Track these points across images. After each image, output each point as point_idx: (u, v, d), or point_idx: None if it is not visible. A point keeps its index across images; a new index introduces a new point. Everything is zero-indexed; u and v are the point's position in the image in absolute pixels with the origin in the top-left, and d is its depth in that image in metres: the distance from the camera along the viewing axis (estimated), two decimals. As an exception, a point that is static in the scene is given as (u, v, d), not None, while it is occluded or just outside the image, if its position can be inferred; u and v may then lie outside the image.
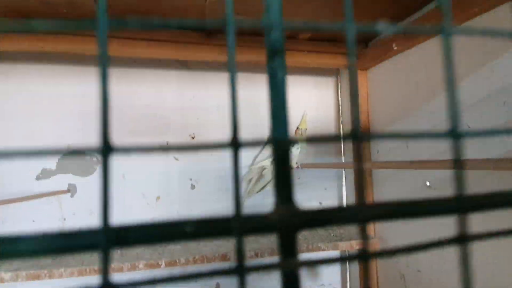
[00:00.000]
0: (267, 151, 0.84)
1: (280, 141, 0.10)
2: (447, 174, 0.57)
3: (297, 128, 0.76)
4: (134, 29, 0.53)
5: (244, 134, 0.87)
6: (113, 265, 0.60)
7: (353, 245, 0.71)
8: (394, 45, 0.66)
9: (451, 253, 0.56)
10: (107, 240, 0.07)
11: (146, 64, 0.81)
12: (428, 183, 0.61)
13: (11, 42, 0.58)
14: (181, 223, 0.08)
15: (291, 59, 0.74)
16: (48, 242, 0.07)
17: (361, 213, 0.09)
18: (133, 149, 0.08)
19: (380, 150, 0.75)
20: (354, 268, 0.87)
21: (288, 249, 0.08)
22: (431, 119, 0.60)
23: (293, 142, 0.76)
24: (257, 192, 0.84)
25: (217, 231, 0.08)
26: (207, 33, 0.69)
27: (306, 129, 0.77)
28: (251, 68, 0.88)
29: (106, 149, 0.08)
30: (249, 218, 0.08)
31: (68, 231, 0.07)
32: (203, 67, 0.85)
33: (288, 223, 0.09)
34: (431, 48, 0.60)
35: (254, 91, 0.89)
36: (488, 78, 0.50)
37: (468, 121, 0.52)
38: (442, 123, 0.58)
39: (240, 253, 0.08)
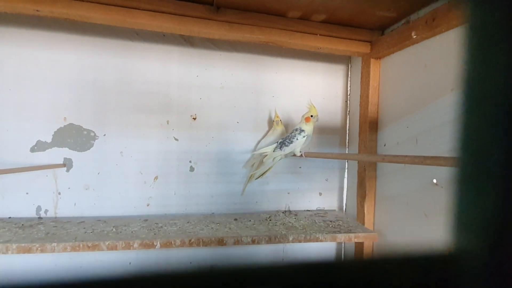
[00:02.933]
0: (271, 137, 0.81)
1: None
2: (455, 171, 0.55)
3: (311, 116, 0.73)
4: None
5: (247, 117, 0.85)
6: (108, 242, 0.59)
7: (351, 238, 0.70)
8: (413, 33, 0.62)
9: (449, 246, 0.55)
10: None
11: (149, 38, 0.77)
12: (435, 181, 0.59)
13: (4, 2, 0.54)
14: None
15: (303, 42, 0.70)
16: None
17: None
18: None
19: (388, 144, 0.73)
20: (349, 254, 0.87)
21: None
22: (444, 115, 0.58)
23: (300, 129, 0.73)
24: (256, 179, 0.83)
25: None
26: (216, 7, 0.65)
27: (317, 116, 0.74)
28: (258, 49, 0.84)
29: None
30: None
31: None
32: (208, 45, 0.81)
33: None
34: (454, 38, 0.56)
35: (259, 74, 0.85)
36: None
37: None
38: (454, 121, 0.55)
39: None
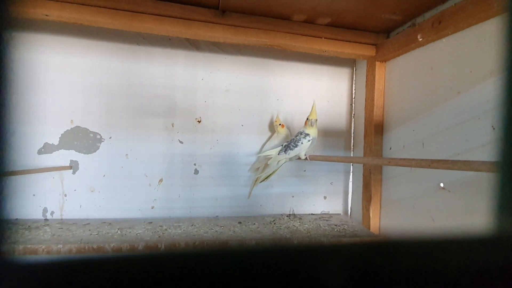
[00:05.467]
0: (275, 140, 0.81)
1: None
2: (463, 175, 0.54)
3: (307, 119, 0.73)
4: (144, 2, 0.49)
5: (252, 120, 0.85)
6: (113, 244, 0.59)
7: (357, 242, 0.69)
8: (419, 36, 0.62)
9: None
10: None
11: (155, 42, 0.78)
12: (442, 185, 0.59)
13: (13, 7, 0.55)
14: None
15: (308, 45, 0.70)
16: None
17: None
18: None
19: (393, 147, 0.72)
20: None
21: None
22: (450, 118, 0.57)
23: (305, 133, 0.73)
24: (261, 182, 0.82)
25: None
26: (221, 11, 0.65)
27: (316, 120, 0.73)
28: (263, 53, 0.84)
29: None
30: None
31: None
32: (213, 48, 0.82)
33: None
34: (460, 41, 0.56)
35: (264, 77, 0.85)
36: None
37: (494, 122, 0.49)
38: (461, 125, 0.55)
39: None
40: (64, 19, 0.59)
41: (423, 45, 0.64)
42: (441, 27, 0.57)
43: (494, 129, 0.49)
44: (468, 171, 0.41)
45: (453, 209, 0.56)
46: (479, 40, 0.52)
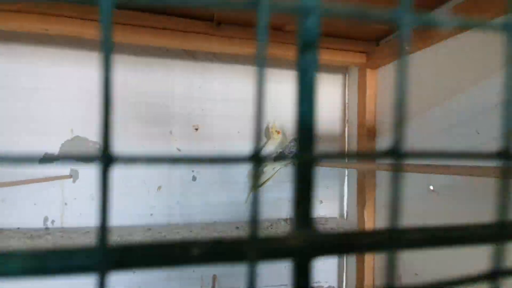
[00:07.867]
0: (271, 146, 0.83)
1: (305, 154, 0.09)
2: (451, 179, 0.56)
3: None
4: (142, 16, 0.51)
5: (248, 127, 0.86)
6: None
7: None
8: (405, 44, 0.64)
9: (447, 257, 0.56)
10: (106, 262, 0.07)
11: (153, 53, 0.80)
12: (431, 187, 0.60)
13: (15, 22, 0.57)
14: (188, 245, 0.07)
15: (300, 54, 0.72)
16: (40, 261, 0.06)
17: (392, 239, 0.09)
18: (136, 159, 0.08)
19: (385, 152, 0.74)
20: (350, 267, 0.88)
21: (303, 276, 0.08)
22: (438, 124, 0.59)
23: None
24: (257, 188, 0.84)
25: (228, 255, 0.07)
26: (217, 23, 0.67)
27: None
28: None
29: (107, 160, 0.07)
30: (265, 242, 0.08)
31: (64, 249, 0.07)
32: (210, 58, 0.84)
33: (306, 250, 0.08)
34: (447, 49, 0.58)
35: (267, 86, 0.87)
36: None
37: (478, 128, 0.51)
38: (450, 129, 0.57)
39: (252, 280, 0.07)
40: (65, 32, 0.61)
41: (413, 52, 0.66)
42: (428, 36, 0.59)
43: (478, 134, 0.51)
44: (457, 175, 0.43)
45: (442, 210, 0.57)
46: (466, 48, 0.54)
